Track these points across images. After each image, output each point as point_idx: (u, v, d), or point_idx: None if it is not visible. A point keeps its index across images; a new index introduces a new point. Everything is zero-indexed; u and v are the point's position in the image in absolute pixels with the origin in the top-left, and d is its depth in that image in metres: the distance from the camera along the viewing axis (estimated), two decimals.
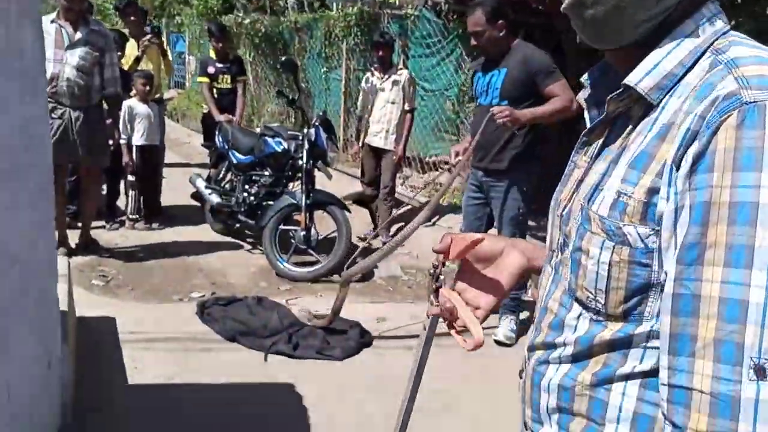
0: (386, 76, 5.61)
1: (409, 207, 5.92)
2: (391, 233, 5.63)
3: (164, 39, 7.35)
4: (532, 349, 1.00)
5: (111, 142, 4.94)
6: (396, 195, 5.94)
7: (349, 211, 5.10)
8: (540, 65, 3.66)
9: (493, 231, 4.04)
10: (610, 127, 0.91)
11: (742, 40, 0.84)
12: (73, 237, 4.83)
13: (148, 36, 6.15)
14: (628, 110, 0.88)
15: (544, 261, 1.05)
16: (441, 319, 1.11)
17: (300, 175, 4.97)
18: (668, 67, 0.83)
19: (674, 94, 0.82)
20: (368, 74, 5.92)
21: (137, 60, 6.04)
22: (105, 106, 4.89)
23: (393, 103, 5.60)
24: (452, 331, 1.10)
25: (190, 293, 4.30)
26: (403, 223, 5.66)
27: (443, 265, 1.10)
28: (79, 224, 5.00)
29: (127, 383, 3.08)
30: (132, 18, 6.24)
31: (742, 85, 0.75)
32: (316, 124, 5.14)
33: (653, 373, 0.83)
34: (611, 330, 0.86)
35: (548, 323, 0.96)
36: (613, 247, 0.83)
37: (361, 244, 4.36)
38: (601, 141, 0.92)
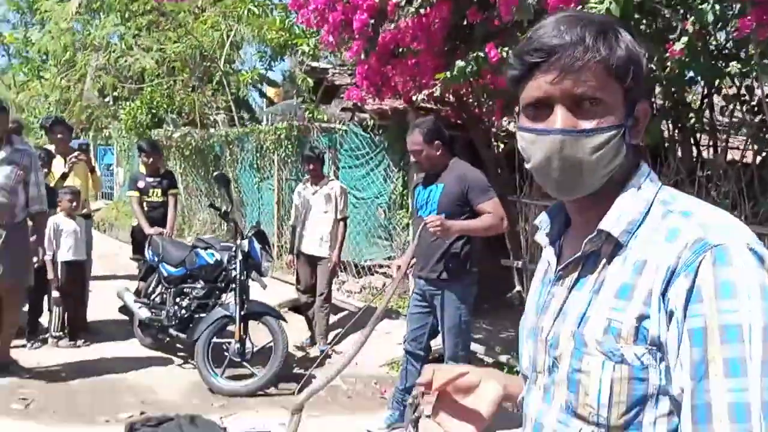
0: (318, 188, 5.76)
1: (347, 312, 5.92)
2: (329, 341, 5.59)
3: (92, 154, 7.32)
4: None
5: (36, 260, 4.79)
6: (333, 301, 5.95)
7: (285, 321, 5.05)
8: (474, 183, 3.88)
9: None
10: (584, 263, 1.07)
11: (677, 192, 1.07)
12: None
13: (76, 153, 6.13)
14: (599, 248, 1.05)
15: (525, 384, 1.16)
16: None
17: (233, 286, 4.93)
18: (631, 215, 1.03)
19: (637, 236, 1.02)
20: (300, 187, 6.05)
21: (64, 177, 5.97)
22: (30, 223, 4.77)
23: (326, 213, 5.72)
24: None
25: (118, 414, 4.08)
26: (340, 330, 5.63)
27: (423, 396, 1.17)
28: None
29: None
30: (59, 136, 6.23)
31: (706, 231, 0.95)
32: (250, 235, 5.16)
33: None
34: None
35: None
36: (614, 366, 0.97)
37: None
38: (575, 274, 1.08)
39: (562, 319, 1.06)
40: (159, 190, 6.35)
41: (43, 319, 5.55)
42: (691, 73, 4.20)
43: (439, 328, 4.01)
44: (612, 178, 1.05)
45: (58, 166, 6.06)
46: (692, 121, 4.53)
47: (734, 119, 4.79)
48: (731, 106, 4.64)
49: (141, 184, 6.32)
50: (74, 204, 5.62)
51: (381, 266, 7.32)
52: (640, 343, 0.96)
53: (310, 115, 8.87)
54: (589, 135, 1.01)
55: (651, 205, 1.04)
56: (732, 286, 0.91)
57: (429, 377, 1.15)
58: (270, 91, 15.79)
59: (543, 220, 1.19)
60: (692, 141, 4.86)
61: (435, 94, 5.54)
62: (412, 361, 4.08)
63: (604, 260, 1.04)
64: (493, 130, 7.33)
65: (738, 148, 5.01)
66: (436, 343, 4.33)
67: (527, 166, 1.07)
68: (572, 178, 1.03)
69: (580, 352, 1.01)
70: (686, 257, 0.94)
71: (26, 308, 5.35)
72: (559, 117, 1.01)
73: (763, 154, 4.54)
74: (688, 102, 4.89)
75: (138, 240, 6.37)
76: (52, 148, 6.38)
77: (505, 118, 6.70)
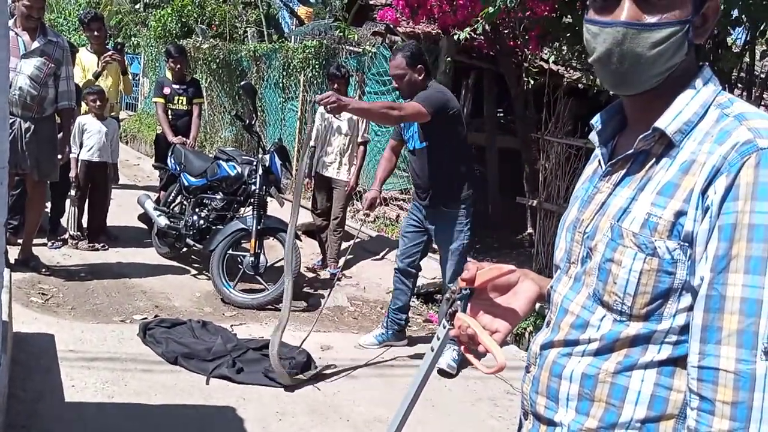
0: None
1: (359, 240, 5.97)
2: (340, 265, 5.67)
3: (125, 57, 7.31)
4: (548, 346, 1.15)
5: (61, 157, 4.85)
6: (346, 228, 5.99)
7: (300, 240, 5.11)
8: (424, 93, 3.80)
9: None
10: (632, 161, 1.10)
11: (735, 98, 1.08)
12: (12, 254, 4.69)
13: (110, 52, 6.12)
14: (650, 148, 1.08)
15: (556, 275, 1.20)
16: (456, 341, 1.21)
17: (252, 200, 4.97)
18: (687, 116, 1.05)
19: (690, 138, 1.03)
20: (323, 107, 5.97)
21: (96, 76, 5.99)
22: (58, 119, 4.80)
23: (346, 135, 5.69)
24: (469, 356, 1.21)
25: (133, 315, 4.22)
26: (351, 256, 5.69)
27: (461, 291, 1.20)
28: (19, 240, 4.87)
29: (64, 401, 3.01)
30: (95, 33, 6.19)
31: (755, 134, 0.97)
32: (272, 150, 5.16)
33: (668, 362, 1.03)
34: (634, 328, 1.04)
35: (570, 323, 1.12)
36: (645, 258, 1.02)
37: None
38: (623, 171, 1.11)
39: (602, 212, 1.10)
40: (184, 98, 6.37)
41: (65, 220, 5.68)
42: (736, 12, 4.04)
43: (440, 251, 4.07)
44: (672, 77, 1.06)
45: (91, 63, 6.06)
46: (730, 65, 4.37)
47: None
48: None
49: (167, 91, 6.33)
50: (98, 104, 5.64)
51: (396, 199, 7.32)
52: (673, 239, 1.00)
53: (341, 34, 8.69)
54: (651, 29, 1.02)
55: (708, 108, 1.05)
56: None
57: (472, 274, 1.18)
58: (301, 11, 15.45)
59: (597, 119, 1.21)
60: (727, 88, 4.72)
61: (477, 31, 5.40)
62: (402, 279, 4.19)
63: (653, 159, 1.07)
64: (525, 64, 7.17)
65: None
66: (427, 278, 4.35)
67: (590, 60, 1.10)
68: (630, 72, 1.05)
69: (615, 243, 1.05)
70: (731, 158, 0.96)
71: (48, 208, 5.47)
72: (626, 9, 1.03)
73: None
74: (729, 45, 4.72)
75: (161, 148, 6.42)
76: (83, 45, 6.37)
77: (543, 50, 6.55)
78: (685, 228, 0.99)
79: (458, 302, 1.21)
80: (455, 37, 5.54)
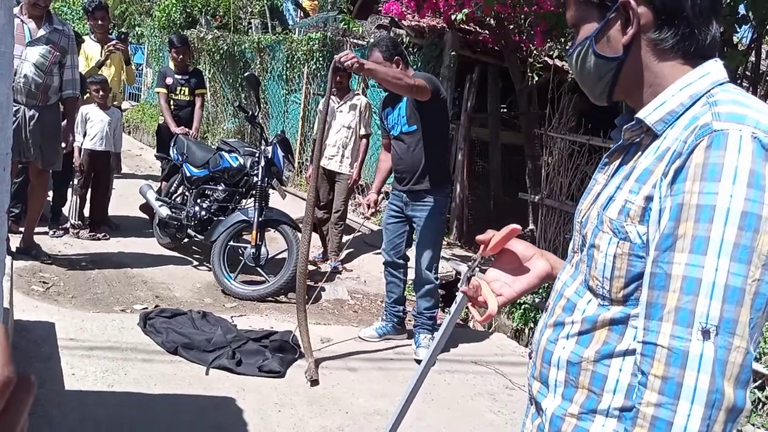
0: (343, 102, 5.70)
1: (360, 233, 5.98)
2: (341, 258, 5.67)
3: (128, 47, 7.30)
4: (543, 328, 1.22)
5: (64, 145, 4.84)
6: (347, 221, 5.99)
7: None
8: (419, 74, 3.96)
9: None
10: (626, 152, 1.14)
11: (732, 89, 1.06)
12: (14, 242, 4.69)
13: (114, 42, 6.11)
14: (640, 139, 1.11)
15: (564, 263, 1.28)
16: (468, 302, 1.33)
17: (254, 192, 4.97)
18: (672, 106, 1.06)
19: (674, 127, 1.05)
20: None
21: (99, 65, 5.99)
22: (62, 108, 4.79)
23: (349, 127, 5.67)
24: (472, 307, 1.32)
25: (133, 305, 4.23)
26: (352, 249, 5.70)
27: (482, 259, 1.32)
28: (21, 228, 4.88)
29: (64, 389, 3.01)
30: (99, 22, 6.17)
31: (714, 118, 0.98)
32: (274, 142, 5.16)
33: None
34: (612, 312, 1.08)
35: (561, 306, 1.18)
36: (618, 243, 1.06)
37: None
38: (617, 162, 1.16)
39: (595, 203, 1.15)
40: (186, 89, 6.35)
41: (66, 209, 5.69)
42: (742, 10, 4.01)
43: (416, 239, 4.11)
44: (628, 83, 1.11)
45: (94, 53, 6.04)
46: (735, 63, 4.34)
47: None
48: None
49: (169, 81, 6.31)
50: (101, 94, 5.63)
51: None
52: (644, 223, 1.03)
53: (345, 26, 8.67)
54: (570, 56, 1.16)
55: (698, 99, 1.05)
56: (718, 169, 0.94)
57: (488, 237, 1.30)
58: (306, 3, 15.41)
59: (621, 117, 1.23)
60: None
61: (477, 13, 5.40)
62: (392, 272, 4.24)
63: (641, 150, 1.10)
64: (530, 60, 7.15)
65: None
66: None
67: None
68: (587, 90, 1.18)
69: (597, 229, 1.10)
70: (689, 141, 0.98)
71: (50, 196, 5.47)
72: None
73: None
74: (735, 43, 4.69)
75: (163, 138, 6.41)
76: (88, 34, 6.36)
77: (547, 44, 6.52)
78: (652, 212, 1.02)
79: (477, 267, 1.33)
80: (453, 18, 5.53)
